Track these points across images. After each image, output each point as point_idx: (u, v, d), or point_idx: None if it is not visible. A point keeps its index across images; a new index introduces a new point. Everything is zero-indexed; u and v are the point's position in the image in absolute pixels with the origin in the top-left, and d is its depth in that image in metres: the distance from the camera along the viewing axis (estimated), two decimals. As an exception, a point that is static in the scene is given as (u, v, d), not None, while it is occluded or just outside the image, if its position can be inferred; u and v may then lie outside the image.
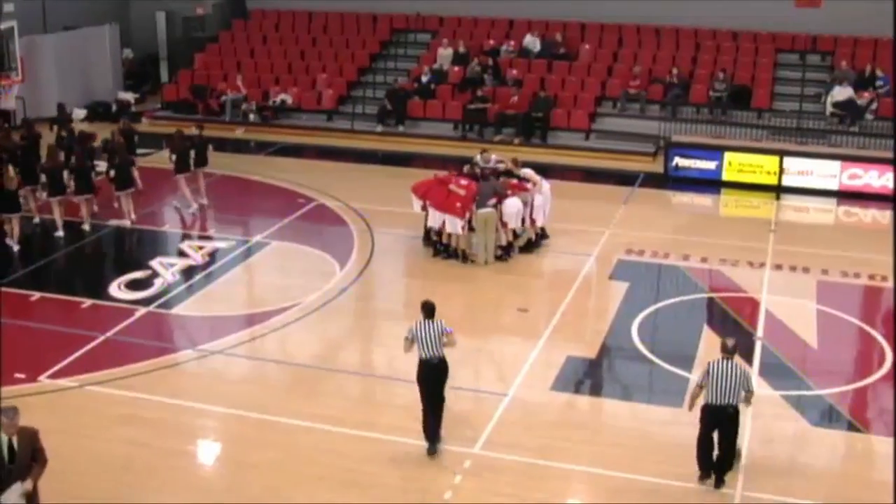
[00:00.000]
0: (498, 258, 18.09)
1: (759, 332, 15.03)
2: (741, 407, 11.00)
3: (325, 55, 31.09)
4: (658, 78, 27.92)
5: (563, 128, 27.28)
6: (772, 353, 14.57)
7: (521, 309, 16.17)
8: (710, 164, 23.94)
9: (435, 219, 18.01)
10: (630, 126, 27.09)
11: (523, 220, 18.26)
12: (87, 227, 19.67)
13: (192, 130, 22.13)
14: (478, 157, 19.19)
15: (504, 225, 17.99)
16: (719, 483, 11.19)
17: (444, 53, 29.69)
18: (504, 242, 18.15)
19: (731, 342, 10.98)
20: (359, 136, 28.05)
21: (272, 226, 20.00)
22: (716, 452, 11.17)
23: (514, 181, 18.33)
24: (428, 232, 18.71)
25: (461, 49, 29.65)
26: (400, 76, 29.74)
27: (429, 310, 11.76)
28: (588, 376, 14.18)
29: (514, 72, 28.73)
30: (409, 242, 19.23)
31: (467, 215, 17.70)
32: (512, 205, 17.88)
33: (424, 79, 28.89)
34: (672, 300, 16.64)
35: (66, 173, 19.46)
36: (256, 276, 18.09)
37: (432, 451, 11.77)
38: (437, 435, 11.85)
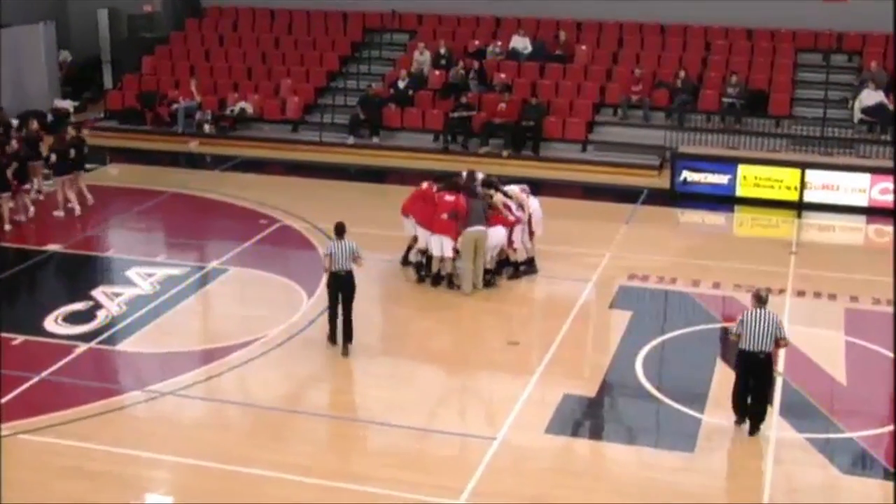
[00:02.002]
0: (486, 284, 18.13)
1: (780, 367, 15.07)
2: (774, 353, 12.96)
3: (290, 58, 31.18)
4: (663, 82, 28.12)
5: (557, 138, 27.41)
6: (795, 390, 14.60)
7: (511, 342, 16.18)
8: (723, 179, 24.10)
9: (423, 238, 18.06)
10: (632, 136, 27.25)
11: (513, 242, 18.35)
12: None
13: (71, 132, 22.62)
14: (478, 175, 19.07)
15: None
16: (753, 430, 13.19)
17: (423, 56, 29.83)
18: (490, 266, 18.20)
19: (764, 292, 13.20)
20: (328, 149, 28.10)
21: (231, 250, 19.98)
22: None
23: (499, 202, 18.22)
24: (408, 252, 18.77)
25: (442, 51, 29.81)
26: (374, 81, 29.84)
27: (339, 230, 15.51)
28: (587, 417, 14.17)
29: (503, 76, 28.87)
30: (386, 267, 19.22)
31: (459, 238, 17.73)
32: (496, 235, 17.95)
33: (401, 84, 29.00)
34: (681, 331, 16.68)
35: None
36: (213, 306, 18.05)
37: (342, 346, 15.44)
38: (349, 335, 15.50)
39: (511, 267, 18.62)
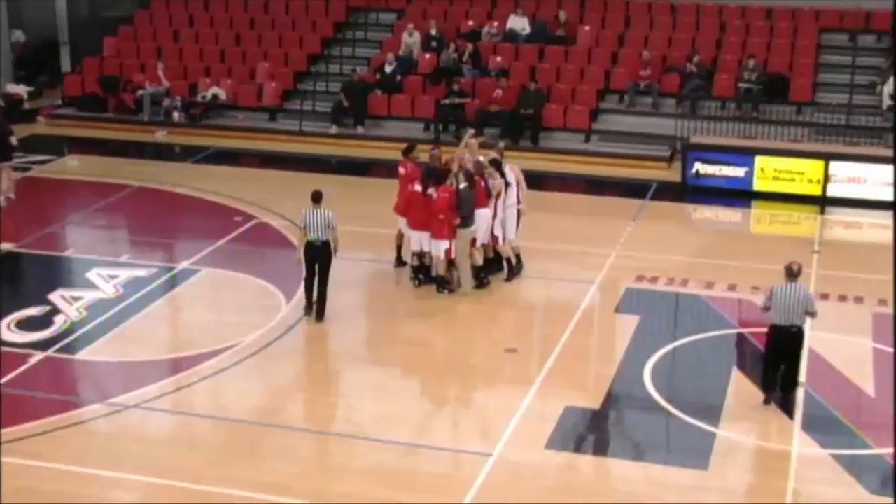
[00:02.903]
0: (478, 286, 18.11)
1: (803, 377, 15.07)
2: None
3: (267, 40, 31.13)
4: (674, 66, 28.13)
5: (558, 128, 27.42)
6: (818, 402, 14.60)
7: (508, 349, 16.16)
8: (739, 171, 24.12)
9: (415, 240, 18.00)
10: (640, 125, 27.28)
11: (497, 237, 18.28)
12: None
13: None
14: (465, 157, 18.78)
15: (472, 242, 17.96)
16: (785, 404, 14.17)
17: (412, 38, 29.80)
18: (479, 263, 18.16)
19: (795, 266, 14.13)
20: (308, 139, 28.07)
21: (202, 249, 19.93)
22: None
23: (498, 188, 18.10)
24: (399, 253, 18.78)
25: (433, 32, 29.79)
26: (359, 65, 29.83)
27: (316, 197, 16.42)
28: (591, 431, 14.18)
29: (499, 59, 28.86)
30: (372, 268, 19.20)
31: (454, 239, 17.63)
32: (483, 216, 17.87)
33: (388, 69, 28.97)
34: (693, 337, 16.69)
35: None
36: (183, 311, 18.01)
37: (315, 316, 16.63)
38: (322, 308, 16.67)
39: (504, 266, 18.47)
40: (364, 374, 15.36)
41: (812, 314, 14.22)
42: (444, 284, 17.99)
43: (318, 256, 16.56)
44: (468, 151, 18.43)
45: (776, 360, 14.32)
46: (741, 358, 16.20)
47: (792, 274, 14.13)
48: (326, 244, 16.50)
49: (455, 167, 17.88)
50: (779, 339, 14.14)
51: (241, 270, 19.04)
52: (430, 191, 17.70)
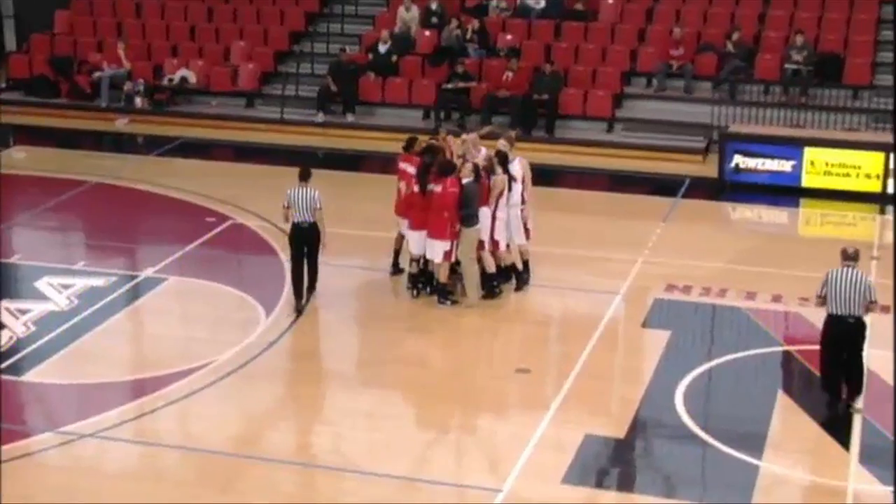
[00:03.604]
0: (487, 296, 18.12)
1: (858, 402, 15.07)
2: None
3: (243, 15, 31.24)
4: (710, 44, 28.16)
5: (577, 115, 27.49)
6: (876, 430, 14.57)
7: (520, 369, 16.16)
8: (785, 165, 24.15)
9: (415, 242, 17.99)
10: (671, 112, 27.33)
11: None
12: None
13: None
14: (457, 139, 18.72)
15: (481, 245, 17.94)
16: (849, 405, 14.59)
17: (410, 13, 29.84)
18: (491, 270, 18.15)
19: (851, 249, 14.45)
20: (291, 128, 28.13)
21: (169, 255, 19.95)
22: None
23: (500, 185, 18.06)
24: (396, 259, 18.79)
25: (434, 6, 29.86)
26: (348, 44, 29.87)
27: (303, 174, 17.35)
28: (614, 463, 14.15)
29: (509, 37, 28.91)
30: (365, 277, 19.20)
31: (456, 240, 17.62)
32: (484, 214, 17.84)
33: (382, 48, 29.02)
34: (732, 356, 16.66)
35: None
36: (147, 325, 18.00)
37: (305, 296, 17.58)
38: (311, 286, 17.65)
39: (510, 275, 18.46)
40: (355, 399, 15.34)
41: (872, 305, 14.47)
42: (446, 294, 17.99)
43: (306, 239, 17.39)
44: (471, 144, 18.38)
45: (834, 356, 14.64)
46: (788, 379, 16.20)
47: (848, 257, 14.43)
48: (314, 225, 17.33)
49: (457, 157, 17.91)
50: (836, 331, 14.49)
51: (214, 279, 19.06)
52: (431, 186, 17.60)
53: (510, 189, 18.01)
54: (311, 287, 17.80)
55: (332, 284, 18.60)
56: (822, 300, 14.51)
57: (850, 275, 14.32)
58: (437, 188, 17.53)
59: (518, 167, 18.22)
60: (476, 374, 16.30)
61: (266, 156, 26.30)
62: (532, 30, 29.31)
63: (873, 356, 16.05)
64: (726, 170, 24.48)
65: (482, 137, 19.10)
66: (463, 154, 18.06)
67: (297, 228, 17.43)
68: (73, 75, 29.83)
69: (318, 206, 17.35)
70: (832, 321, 14.49)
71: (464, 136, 18.87)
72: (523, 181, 18.28)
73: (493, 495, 13.04)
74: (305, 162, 18.50)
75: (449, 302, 17.97)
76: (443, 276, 17.94)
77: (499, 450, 14.22)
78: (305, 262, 17.60)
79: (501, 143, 18.43)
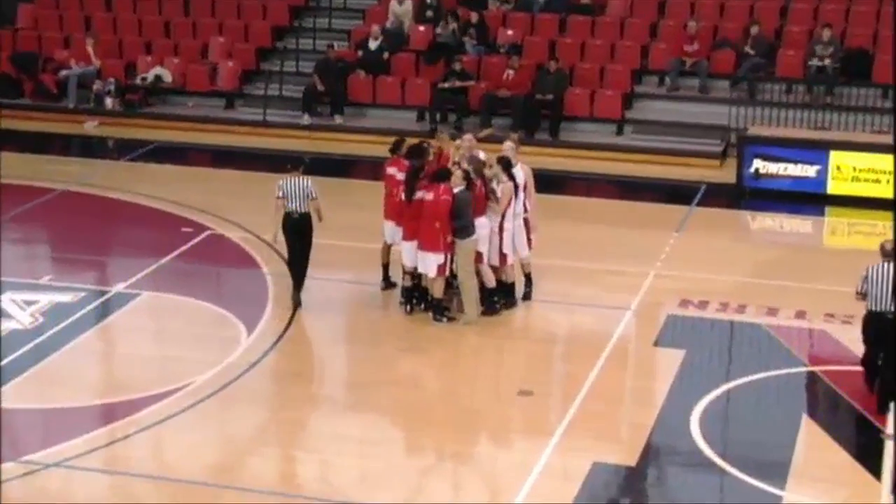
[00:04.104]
0: (487, 312, 18.14)
1: (890, 428, 15.09)
2: None
3: (223, 8, 31.19)
4: (727, 40, 28.19)
5: (583, 117, 27.51)
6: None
7: (522, 391, 16.17)
8: (809, 171, 24.16)
9: (407, 254, 17.99)
10: (685, 113, 27.35)
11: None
12: None
13: None
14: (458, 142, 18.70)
15: (479, 258, 17.93)
16: (881, 408, 15.05)
17: (403, 6, 29.88)
18: (490, 284, 18.14)
19: (890, 244, 15.10)
20: (274, 131, 28.14)
21: (142, 269, 19.93)
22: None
23: (507, 195, 18.09)
24: (386, 271, 18.78)
25: (429, -2, 29.89)
26: (336, 40, 29.88)
27: (296, 164, 18.20)
28: (625, 494, 14.15)
29: (510, 32, 28.91)
30: (354, 291, 19.21)
31: (450, 253, 17.63)
32: (481, 225, 17.81)
33: (373, 45, 29.03)
34: (752, 377, 16.64)
35: None
36: (118, 345, 18.00)
37: (296, 299, 18.18)
38: (299, 283, 18.28)
39: (512, 291, 18.48)
40: (344, 424, 15.34)
41: None
42: (442, 311, 18.00)
43: (300, 230, 18.07)
44: (464, 147, 18.39)
45: (876, 354, 15.41)
46: (813, 403, 16.20)
47: (887, 253, 15.14)
48: (306, 216, 18.05)
49: (451, 163, 17.93)
50: (877, 328, 15.24)
51: (191, 294, 19.05)
52: (420, 193, 17.56)
53: (515, 197, 18.05)
54: (299, 282, 18.35)
55: (320, 299, 18.61)
56: (863, 296, 15.34)
57: (889, 270, 15.01)
58: (429, 196, 17.49)
59: (521, 174, 18.24)
60: (474, 397, 16.31)
61: (247, 161, 26.31)
62: (535, 24, 29.33)
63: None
64: (745, 175, 24.49)
65: (479, 141, 19.11)
66: (458, 160, 18.05)
67: (289, 218, 18.03)
68: (38, 74, 29.81)
69: (313, 195, 18.04)
70: (873, 318, 15.26)
71: (457, 141, 18.88)
72: (525, 188, 18.31)
73: (493, 528, 13.08)
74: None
75: (445, 319, 17.94)
76: (438, 290, 17.92)
77: (499, 479, 14.21)
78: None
79: (507, 146, 18.44)
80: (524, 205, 18.29)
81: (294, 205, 18.00)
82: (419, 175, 17.67)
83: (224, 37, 30.24)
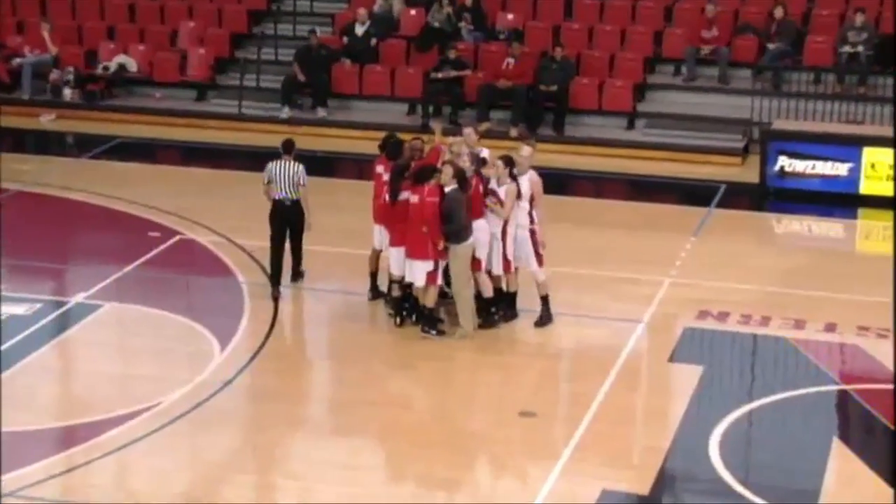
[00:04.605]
0: (484, 324, 18.14)
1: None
2: None
3: (193, -9, 31.28)
4: (749, 25, 28.25)
5: (591, 110, 27.58)
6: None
7: (525, 412, 16.18)
8: (840, 169, 24.21)
9: (394, 261, 17.99)
10: (703, 106, 27.45)
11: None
12: None
13: None
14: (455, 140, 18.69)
15: (478, 265, 17.91)
16: None
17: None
18: (488, 294, 18.14)
19: None
20: (250, 125, 28.20)
21: (104, 277, 19.95)
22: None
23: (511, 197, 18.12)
24: (374, 280, 18.81)
25: (420, -20, 29.94)
26: (319, 26, 29.92)
27: (286, 146, 18.80)
28: (640, 524, 14.20)
29: (510, 17, 28.96)
30: (339, 301, 19.21)
31: (442, 259, 17.62)
32: (480, 229, 17.78)
33: (359, 30, 29.07)
34: (777, 396, 16.69)
35: None
36: (78, 361, 18.02)
37: (291, 277, 19.07)
38: (297, 269, 19.17)
39: (513, 302, 18.49)
40: (326, 448, 15.36)
41: None
42: (434, 323, 17.98)
43: (288, 218, 18.59)
44: (465, 143, 18.36)
45: None
46: (844, 424, 16.22)
47: None
48: (297, 203, 18.57)
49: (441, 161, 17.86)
50: None
51: (159, 305, 19.07)
52: (406, 194, 17.56)
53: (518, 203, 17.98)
54: (297, 274, 19.14)
55: (301, 311, 18.65)
56: None
57: None
58: (414, 198, 17.46)
59: (526, 184, 18.09)
60: (471, 419, 16.31)
61: (221, 158, 26.38)
62: (538, 8, 29.40)
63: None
64: (769, 174, 24.54)
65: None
66: (450, 160, 17.90)
67: (278, 206, 18.54)
68: (-10, 63, 29.91)
69: (303, 182, 18.52)
70: None
71: (450, 139, 18.84)
72: (530, 199, 18.12)
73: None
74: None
75: (435, 332, 17.93)
76: (429, 300, 17.89)
77: (501, 507, 14.24)
78: (288, 244, 18.80)
79: (525, 151, 18.32)
80: (530, 216, 18.17)
81: (282, 191, 18.42)
82: (403, 174, 17.64)
83: (195, 21, 30.29)
